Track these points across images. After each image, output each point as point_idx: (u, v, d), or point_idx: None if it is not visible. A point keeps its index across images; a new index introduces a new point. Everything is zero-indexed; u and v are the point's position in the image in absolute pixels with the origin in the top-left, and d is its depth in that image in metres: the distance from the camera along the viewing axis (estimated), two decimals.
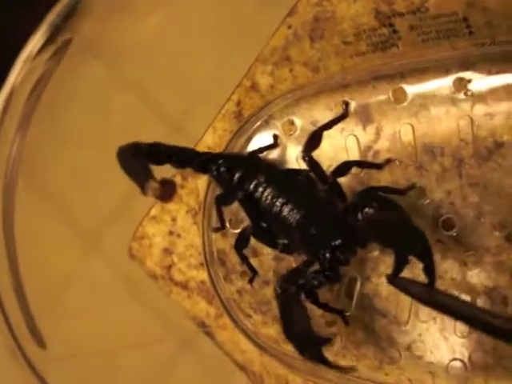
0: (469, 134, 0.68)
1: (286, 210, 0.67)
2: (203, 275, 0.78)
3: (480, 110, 0.67)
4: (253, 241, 0.74)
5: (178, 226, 0.79)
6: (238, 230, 0.75)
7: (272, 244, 0.70)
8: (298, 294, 0.64)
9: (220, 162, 0.71)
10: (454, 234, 0.68)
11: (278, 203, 0.67)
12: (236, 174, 0.70)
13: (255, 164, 0.72)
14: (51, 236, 0.79)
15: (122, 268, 0.83)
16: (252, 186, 0.69)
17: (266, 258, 0.75)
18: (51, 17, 0.62)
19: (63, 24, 0.64)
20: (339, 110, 0.72)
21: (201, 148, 0.77)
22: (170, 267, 0.80)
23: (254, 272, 0.73)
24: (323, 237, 0.65)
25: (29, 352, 0.66)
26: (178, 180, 0.80)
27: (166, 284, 0.80)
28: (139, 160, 0.68)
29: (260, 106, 0.76)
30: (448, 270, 0.68)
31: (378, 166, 0.69)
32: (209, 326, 0.77)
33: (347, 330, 0.71)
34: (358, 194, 0.66)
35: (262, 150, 0.75)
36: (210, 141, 0.77)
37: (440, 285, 0.67)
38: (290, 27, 0.74)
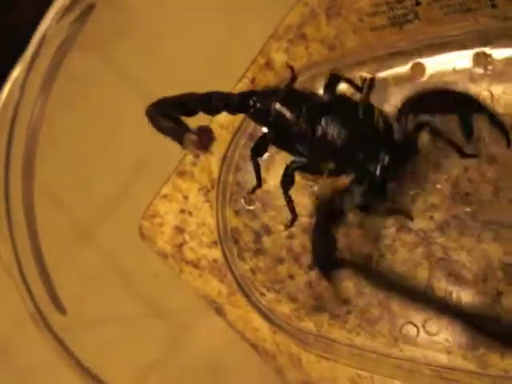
0: None
1: (329, 133, 0.67)
2: (215, 253, 0.77)
3: (498, 85, 0.66)
4: (265, 218, 0.73)
5: (190, 204, 0.79)
6: (252, 207, 0.74)
7: (318, 171, 0.70)
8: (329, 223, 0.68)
9: (254, 98, 0.70)
10: (471, 210, 0.66)
11: (320, 127, 0.67)
12: (273, 106, 0.69)
13: (292, 94, 0.71)
14: None
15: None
16: (291, 116, 0.69)
17: (279, 236, 0.75)
18: None
19: None
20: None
21: (214, 125, 0.75)
22: (181, 246, 0.79)
23: (295, 215, 0.72)
24: (370, 154, 0.65)
25: (50, 318, 0.65)
26: (188, 159, 0.78)
27: (177, 263, 0.79)
28: (170, 116, 0.68)
29: (274, 83, 0.74)
30: (465, 245, 0.68)
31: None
32: (220, 304, 0.76)
33: (362, 307, 0.70)
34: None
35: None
36: (223, 119, 0.76)
37: (456, 260, 0.66)
38: (306, 4, 0.73)
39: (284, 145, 0.71)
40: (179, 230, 0.79)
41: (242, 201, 0.76)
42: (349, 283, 0.72)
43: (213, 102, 0.71)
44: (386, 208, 0.68)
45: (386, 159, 0.64)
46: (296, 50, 0.74)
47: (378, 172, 0.64)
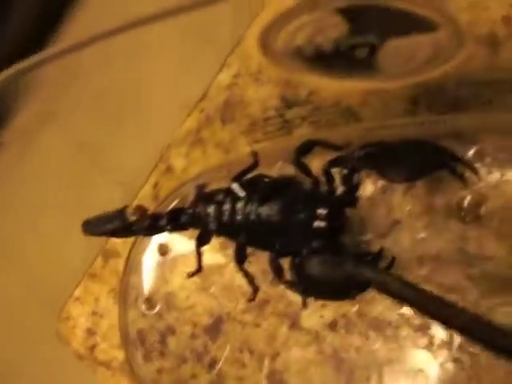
0: (368, 213, 0.70)
1: (263, 213, 0.68)
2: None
3: (380, 184, 0.69)
4: (170, 319, 0.75)
5: (101, 307, 0.81)
6: (154, 311, 0.76)
7: (269, 246, 0.69)
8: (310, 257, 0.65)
9: (185, 211, 0.73)
10: (357, 309, 0.68)
11: (251, 212, 0.69)
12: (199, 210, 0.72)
13: (210, 197, 0.72)
14: None
15: None
16: (219, 213, 0.70)
17: (182, 336, 0.76)
18: None
19: None
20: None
21: None
22: (93, 347, 0.81)
23: (255, 287, 0.72)
24: (310, 214, 0.66)
25: None
26: (99, 261, 0.81)
27: (91, 364, 0.81)
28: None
29: (175, 188, 0.77)
30: (353, 343, 0.70)
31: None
32: None
33: None
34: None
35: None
36: None
37: (345, 358, 0.68)
38: (202, 111, 0.76)
39: (228, 235, 0.72)
40: (91, 332, 0.81)
41: (143, 306, 0.77)
42: (246, 380, 0.72)
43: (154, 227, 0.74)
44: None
45: (324, 212, 0.66)
46: (194, 154, 0.77)
47: (321, 225, 0.65)
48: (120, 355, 0.79)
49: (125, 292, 0.78)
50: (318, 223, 0.65)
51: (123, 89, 0.82)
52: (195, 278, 0.74)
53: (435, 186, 0.67)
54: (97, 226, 0.74)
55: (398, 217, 0.69)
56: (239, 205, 0.69)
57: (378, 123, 0.68)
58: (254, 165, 0.72)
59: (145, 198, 0.79)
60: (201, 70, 0.78)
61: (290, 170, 0.71)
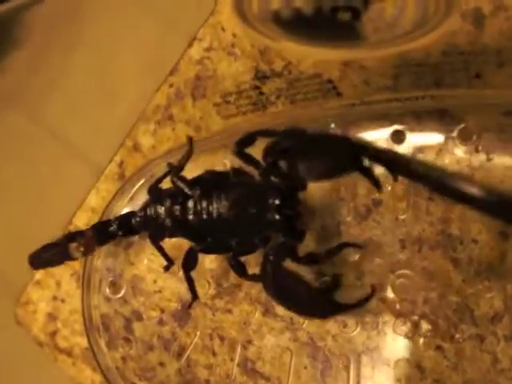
0: (348, 193, 0.67)
1: (214, 211, 0.66)
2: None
3: None
4: (135, 304, 0.72)
5: (63, 291, 0.78)
6: (119, 295, 0.73)
7: (225, 248, 0.67)
8: (279, 265, 0.62)
9: (136, 214, 0.70)
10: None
11: (202, 210, 0.66)
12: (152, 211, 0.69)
13: (160, 197, 0.69)
14: None
15: None
16: (170, 213, 0.67)
17: (149, 322, 0.73)
18: None
19: None
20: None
21: (85, 208, 0.74)
22: (54, 333, 0.77)
23: (195, 296, 0.70)
24: (262, 207, 0.63)
25: None
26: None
27: (51, 351, 0.77)
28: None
29: (142, 166, 0.73)
30: (330, 330, 0.68)
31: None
32: None
33: None
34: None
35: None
36: (93, 202, 0.76)
37: (322, 346, 0.67)
38: (171, 86, 0.73)
39: (181, 233, 0.69)
40: (52, 317, 0.78)
41: (107, 290, 0.73)
42: (217, 369, 0.70)
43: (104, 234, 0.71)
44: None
45: (277, 200, 0.63)
46: (163, 131, 0.74)
47: (276, 216, 0.63)
48: (82, 342, 0.76)
49: (88, 275, 0.74)
50: (271, 215, 0.63)
51: (93, 66, 0.78)
52: (163, 261, 0.70)
53: None
54: (43, 262, 0.72)
55: (378, 197, 0.64)
56: (190, 203, 0.67)
57: (358, 99, 0.63)
58: (190, 151, 0.69)
59: (110, 176, 0.75)
60: (172, 44, 0.74)
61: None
